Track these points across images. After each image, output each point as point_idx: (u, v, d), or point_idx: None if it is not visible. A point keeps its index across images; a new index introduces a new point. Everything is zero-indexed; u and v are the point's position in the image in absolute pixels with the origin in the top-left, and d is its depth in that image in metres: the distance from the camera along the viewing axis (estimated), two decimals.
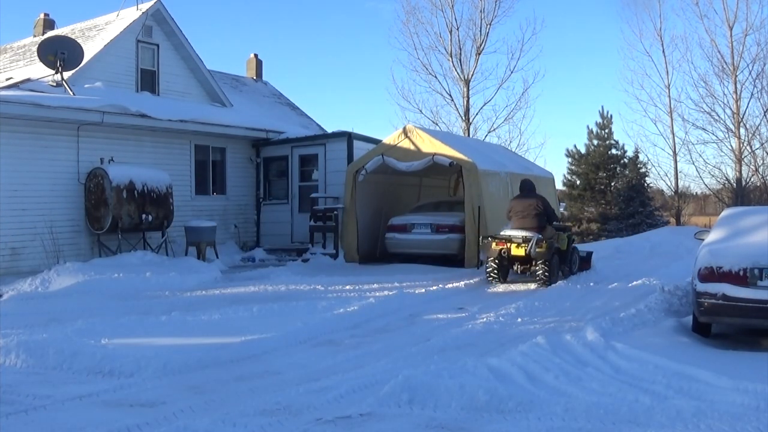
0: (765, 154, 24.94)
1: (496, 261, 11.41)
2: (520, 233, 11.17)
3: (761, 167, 25.03)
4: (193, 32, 65.66)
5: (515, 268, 11.63)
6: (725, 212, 9.10)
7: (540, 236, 11.02)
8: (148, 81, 16.87)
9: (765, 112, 24.32)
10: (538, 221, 11.33)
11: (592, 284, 11.44)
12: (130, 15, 16.95)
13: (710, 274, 7.10)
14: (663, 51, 26.83)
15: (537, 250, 10.88)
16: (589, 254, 13.17)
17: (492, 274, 11.55)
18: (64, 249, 13.53)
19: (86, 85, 15.00)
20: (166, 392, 5.32)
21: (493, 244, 11.33)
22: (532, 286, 11.35)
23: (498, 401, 4.81)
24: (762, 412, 4.68)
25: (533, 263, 11.26)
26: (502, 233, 11.44)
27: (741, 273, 6.91)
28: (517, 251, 11.17)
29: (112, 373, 5.81)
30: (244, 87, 22.67)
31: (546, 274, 11.07)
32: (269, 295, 10.57)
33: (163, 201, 14.47)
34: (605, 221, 25.26)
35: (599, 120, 27.09)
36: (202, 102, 18.10)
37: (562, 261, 11.78)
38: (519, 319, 8.31)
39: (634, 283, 11.39)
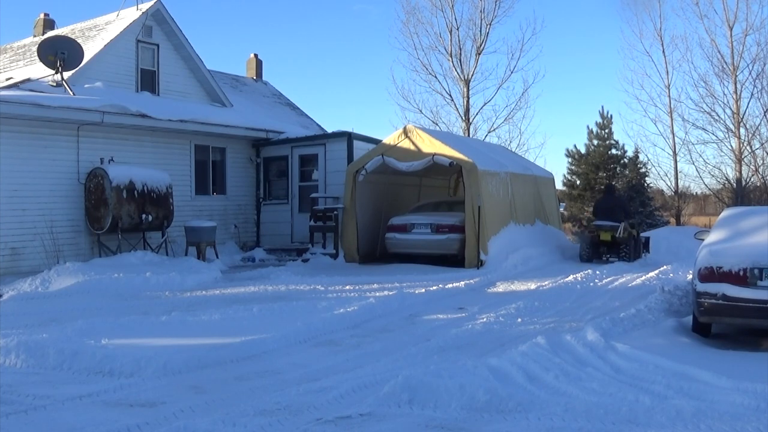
0: (765, 154, 24.91)
1: (588, 245, 15.15)
2: (607, 223, 14.77)
3: (761, 167, 25.00)
4: (193, 32, 65.71)
5: (602, 250, 15.06)
6: (725, 212, 9.10)
7: (624, 224, 14.71)
8: (148, 81, 16.87)
9: (765, 112, 24.28)
10: (618, 216, 14.92)
11: (591, 284, 11.46)
12: (130, 15, 16.95)
13: (710, 274, 7.10)
14: (663, 51, 26.77)
15: (622, 235, 14.55)
16: (647, 239, 16.42)
17: (584, 256, 15.25)
18: (64, 249, 13.53)
19: (86, 85, 15.00)
20: (166, 392, 5.32)
21: (586, 232, 15.54)
22: (532, 286, 11.36)
23: (498, 401, 4.81)
24: (762, 412, 4.68)
25: (618, 246, 14.81)
26: (593, 224, 15.26)
27: (741, 273, 6.91)
28: (605, 236, 14.73)
29: (112, 373, 5.81)
30: (244, 87, 22.68)
31: (627, 253, 14.80)
32: (269, 295, 10.56)
33: (163, 201, 14.47)
34: None
35: (599, 120, 27.09)
36: (202, 102, 18.10)
37: (635, 246, 15.36)
38: (519, 319, 8.32)
39: (635, 282, 11.41)
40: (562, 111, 54.99)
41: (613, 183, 15.76)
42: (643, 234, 17.49)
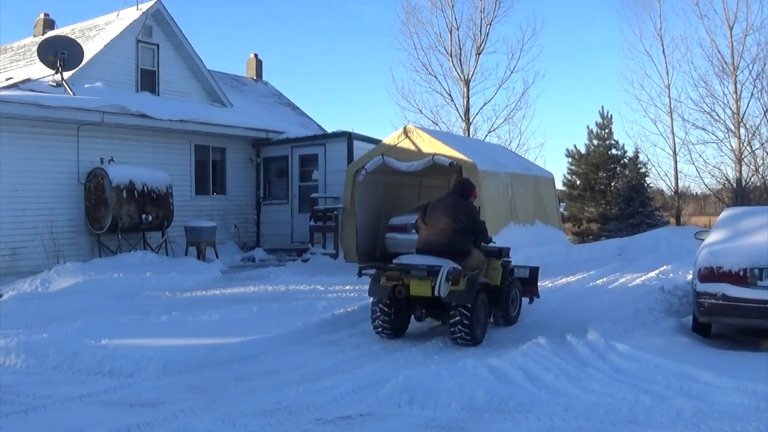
0: (765, 154, 24.94)
1: (387, 304, 7.14)
2: (424, 261, 7.08)
3: (761, 167, 25.03)
4: (193, 32, 65.64)
5: (420, 314, 7.45)
6: (725, 212, 9.10)
7: (455, 266, 6.86)
8: (148, 81, 16.87)
9: (765, 112, 24.32)
10: (457, 241, 7.23)
11: (591, 284, 11.45)
12: (130, 15, 16.95)
13: (710, 274, 7.10)
14: (663, 51, 26.83)
15: (450, 287, 6.78)
16: (534, 272, 8.68)
17: (380, 325, 7.21)
18: (64, 249, 13.53)
19: (86, 85, 15.00)
20: (166, 392, 5.32)
21: (382, 279, 7.19)
22: None
23: (498, 401, 4.81)
24: (762, 412, 4.68)
25: (446, 308, 7.05)
26: (396, 261, 7.38)
27: (741, 273, 6.91)
28: (419, 289, 6.98)
29: (112, 373, 5.81)
30: (244, 87, 22.67)
31: (465, 328, 6.79)
32: (269, 295, 10.56)
33: (163, 201, 14.47)
34: (605, 221, 25.25)
35: (599, 120, 27.10)
36: (202, 102, 18.10)
37: (494, 302, 7.65)
38: (519, 319, 8.31)
39: (635, 282, 11.39)
40: (562, 111, 54.97)
41: (467, 180, 8.27)
42: (530, 255, 11.07)
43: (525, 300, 8.61)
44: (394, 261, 7.45)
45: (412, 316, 7.49)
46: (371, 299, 7.38)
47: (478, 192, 8.32)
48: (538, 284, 8.80)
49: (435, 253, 7.15)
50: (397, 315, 7.29)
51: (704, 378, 5.51)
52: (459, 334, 6.83)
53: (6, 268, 12.71)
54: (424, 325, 8.03)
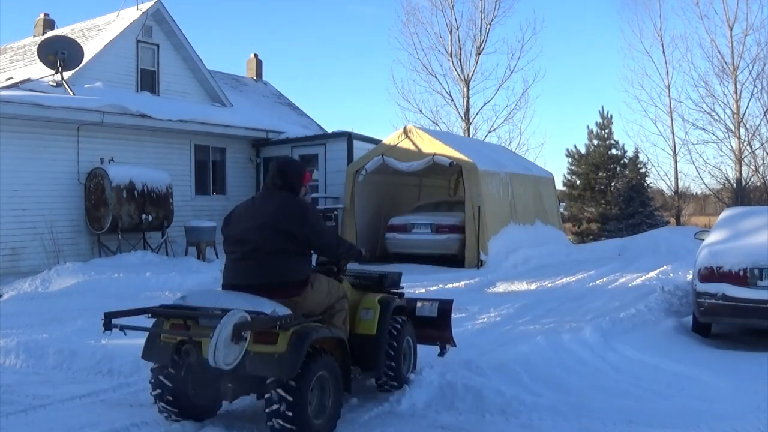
0: (765, 154, 24.94)
1: (170, 375, 4.39)
2: (222, 301, 4.23)
3: (761, 167, 25.03)
4: (193, 32, 65.58)
5: (227, 389, 4.26)
6: (725, 212, 9.11)
7: (268, 312, 4.05)
8: (148, 81, 16.87)
9: (765, 112, 24.31)
10: (280, 267, 4.38)
11: (591, 284, 11.45)
12: (130, 15, 16.95)
13: (710, 275, 7.10)
14: (663, 51, 26.83)
15: (258, 349, 4.01)
16: (445, 310, 5.84)
17: (163, 407, 4.44)
18: (64, 249, 13.52)
19: (86, 85, 15.00)
20: None
21: (163, 333, 4.40)
22: (532, 286, 11.33)
23: (500, 401, 4.81)
24: (762, 412, 4.68)
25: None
26: (179, 301, 4.54)
27: (741, 273, 6.92)
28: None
29: (112, 373, 5.81)
30: (244, 87, 22.68)
31: (288, 422, 3.96)
32: None
33: (163, 201, 14.47)
34: (605, 221, 25.26)
35: (599, 120, 27.11)
36: (202, 102, 18.10)
37: (364, 362, 4.87)
38: (519, 320, 8.31)
39: (635, 282, 11.39)
40: (562, 111, 54.95)
41: (290, 158, 7.69)
42: (420, 298, 6.33)
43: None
44: (176, 300, 4.54)
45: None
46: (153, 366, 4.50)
47: (310, 176, 5.62)
48: (452, 328, 5.82)
49: (246, 288, 4.33)
50: (194, 387, 4.44)
51: (704, 378, 5.52)
52: (279, 430, 3.97)
53: (6, 268, 12.71)
54: None
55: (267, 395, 3.99)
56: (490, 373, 5.40)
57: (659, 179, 32.64)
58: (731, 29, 24.74)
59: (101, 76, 15.64)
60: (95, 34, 16.95)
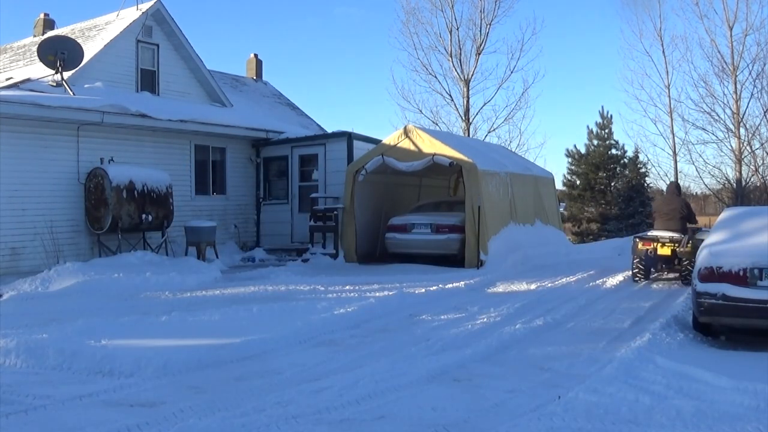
0: (765, 154, 24.96)
1: (643, 260, 11.45)
2: (666, 234, 11.42)
3: (761, 167, 25.05)
4: (193, 32, 65.71)
5: (659, 266, 11.67)
6: (725, 212, 9.10)
7: (687, 236, 11.03)
8: (148, 81, 16.87)
9: (765, 112, 24.33)
10: (682, 224, 11.55)
11: (591, 284, 11.46)
12: (130, 15, 16.95)
13: (710, 274, 7.10)
14: (663, 51, 26.86)
15: (683, 249, 10.89)
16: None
17: (638, 274, 11.62)
18: (64, 249, 13.53)
19: (86, 85, 15.00)
20: (166, 392, 5.31)
21: (640, 244, 11.51)
22: (532, 286, 11.35)
23: (499, 401, 4.81)
24: (762, 412, 4.68)
25: (678, 262, 11.29)
26: (649, 233, 11.74)
27: (741, 273, 6.91)
28: (663, 251, 11.36)
29: (112, 373, 5.80)
30: (244, 87, 22.68)
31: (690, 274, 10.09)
32: (269, 295, 10.56)
33: (163, 201, 14.47)
34: (605, 221, 25.28)
35: (599, 120, 27.14)
36: (202, 102, 18.10)
37: None
38: (519, 320, 8.31)
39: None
40: (562, 111, 55.03)
41: (677, 182, 13.16)
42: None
43: None
44: (648, 233, 9.66)
45: None
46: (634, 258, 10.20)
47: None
48: None
49: (670, 230, 10.46)
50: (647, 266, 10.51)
51: (704, 378, 5.51)
52: (687, 277, 8.32)
53: (6, 268, 12.70)
54: (424, 325, 8.00)
55: (685, 264, 7.61)
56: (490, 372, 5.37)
57: (659, 179, 32.56)
58: (731, 29, 24.77)
59: (101, 76, 15.64)
60: (95, 34, 16.95)
